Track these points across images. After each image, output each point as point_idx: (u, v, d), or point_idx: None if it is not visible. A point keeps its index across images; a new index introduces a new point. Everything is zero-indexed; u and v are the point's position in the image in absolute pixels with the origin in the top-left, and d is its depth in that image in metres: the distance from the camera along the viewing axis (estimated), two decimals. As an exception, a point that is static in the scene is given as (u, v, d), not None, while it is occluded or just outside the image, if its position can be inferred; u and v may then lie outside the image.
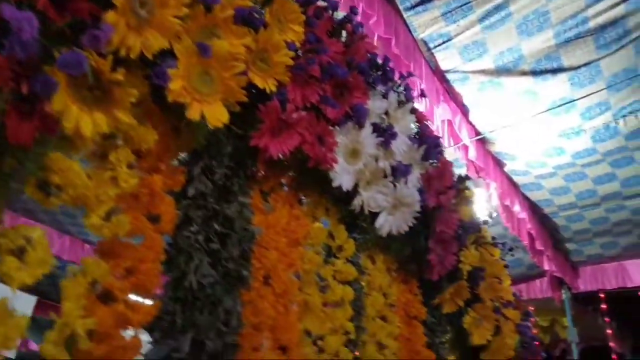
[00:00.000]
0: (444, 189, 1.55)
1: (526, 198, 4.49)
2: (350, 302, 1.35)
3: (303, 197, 1.33)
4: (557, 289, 5.22)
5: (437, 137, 1.56)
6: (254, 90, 1.05)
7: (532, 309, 5.59)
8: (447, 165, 1.59)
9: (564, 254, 5.20)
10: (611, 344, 6.04)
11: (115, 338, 0.81)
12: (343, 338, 1.30)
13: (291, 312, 1.17)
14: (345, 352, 1.29)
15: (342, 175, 1.27)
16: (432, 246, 1.52)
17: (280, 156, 1.12)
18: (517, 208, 4.32)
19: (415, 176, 1.46)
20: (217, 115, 0.88)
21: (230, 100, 0.91)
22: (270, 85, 1.02)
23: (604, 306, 5.61)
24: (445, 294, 1.60)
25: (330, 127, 1.21)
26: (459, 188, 1.67)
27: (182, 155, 1.04)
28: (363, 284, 1.46)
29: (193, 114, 0.86)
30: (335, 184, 1.27)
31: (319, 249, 1.34)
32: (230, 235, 1.00)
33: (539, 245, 4.69)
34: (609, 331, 5.91)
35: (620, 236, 4.88)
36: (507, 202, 4.17)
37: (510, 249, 1.85)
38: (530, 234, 4.59)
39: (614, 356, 6.05)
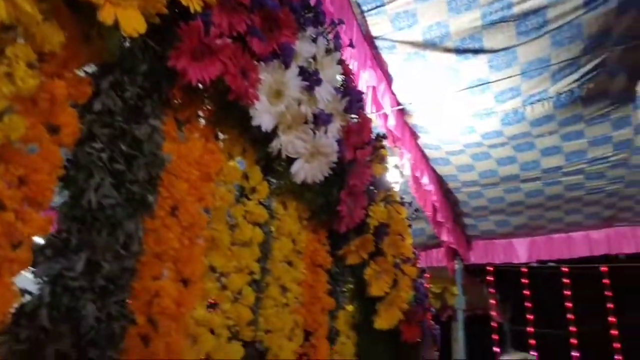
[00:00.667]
0: (361, 144, 1.57)
1: (434, 171, 4.71)
2: (259, 244, 1.35)
3: (220, 134, 1.30)
4: (451, 259, 5.59)
5: (361, 92, 1.57)
6: (176, 10, 0.99)
7: (428, 276, 5.97)
8: (366, 121, 1.61)
9: (461, 227, 5.56)
10: (493, 313, 6.64)
11: (1, 248, 0.75)
12: (247, 277, 1.30)
13: (196, 245, 1.14)
14: (248, 291, 1.29)
15: (263, 115, 1.24)
16: (344, 198, 1.55)
17: (200, 85, 1.07)
18: (425, 180, 4.52)
19: (335, 127, 1.46)
20: (133, 23, 0.82)
21: (148, 9, 0.85)
22: (195, 4, 0.96)
23: (490, 278, 6.11)
24: (350, 245, 1.64)
25: (255, 62, 1.17)
26: (376, 145, 1.70)
27: (92, 68, 0.96)
28: (273, 228, 1.46)
29: (106, 16, 0.79)
30: (254, 122, 1.24)
31: (232, 188, 1.32)
32: (137, 158, 0.95)
33: (440, 218, 4.96)
34: (492, 301, 6.48)
35: (512, 215, 5.30)
36: (418, 174, 4.36)
37: (416, 210, 1.93)
38: (434, 206, 4.84)
39: (494, 324, 6.66)
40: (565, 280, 5.70)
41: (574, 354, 5.56)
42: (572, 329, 5.61)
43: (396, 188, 3.37)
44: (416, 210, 2.00)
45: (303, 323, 1.51)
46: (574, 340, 5.58)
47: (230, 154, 1.30)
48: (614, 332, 5.38)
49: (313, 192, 1.53)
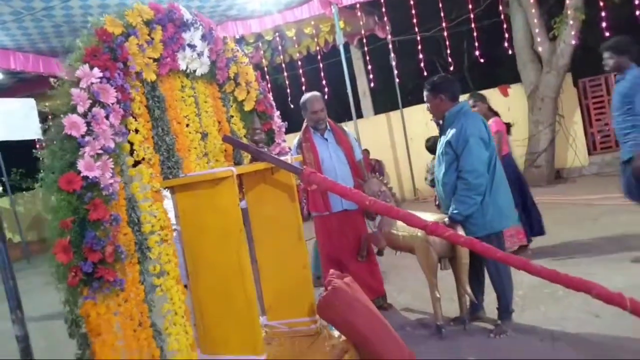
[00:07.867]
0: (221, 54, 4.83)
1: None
2: (195, 103, 4.79)
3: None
4: (328, 6, 8.87)
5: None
6: None
7: (313, 23, 9.45)
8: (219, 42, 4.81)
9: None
10: (376, 31, 10.28)
11: None
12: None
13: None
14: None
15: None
16: (219, 72, 4.89)
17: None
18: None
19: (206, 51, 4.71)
20: None
21: None
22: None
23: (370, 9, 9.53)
24: (226, 86, 5.05)
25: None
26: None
27: None
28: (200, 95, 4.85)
29: None
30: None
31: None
32: None
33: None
34: (374, 23, 10.02)
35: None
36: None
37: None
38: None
39: (381, 39, 10.37)
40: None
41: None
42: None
43: None
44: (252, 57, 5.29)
45: (215, 117, 5.05)
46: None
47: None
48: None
49: (210, 74, 4.85)
